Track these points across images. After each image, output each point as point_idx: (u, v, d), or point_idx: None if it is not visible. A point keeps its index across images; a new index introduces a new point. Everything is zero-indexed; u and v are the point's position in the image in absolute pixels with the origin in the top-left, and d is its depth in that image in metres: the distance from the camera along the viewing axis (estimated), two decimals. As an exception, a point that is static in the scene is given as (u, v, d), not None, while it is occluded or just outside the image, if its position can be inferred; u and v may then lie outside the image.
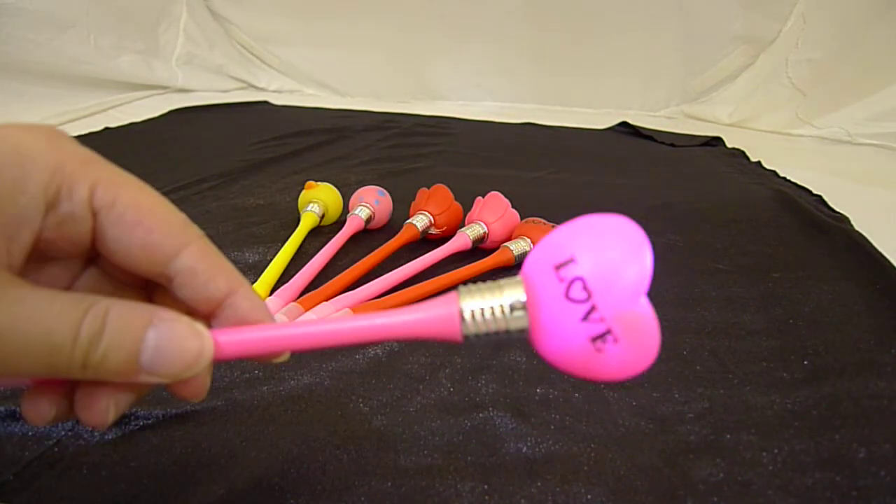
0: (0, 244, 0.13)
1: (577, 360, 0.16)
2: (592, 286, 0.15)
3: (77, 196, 0.14)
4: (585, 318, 0.15)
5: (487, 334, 0.16)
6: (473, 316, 0.16)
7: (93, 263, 0.17)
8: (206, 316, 0.17)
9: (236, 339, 0.15)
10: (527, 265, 0.17)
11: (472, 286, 0.17)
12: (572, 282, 0.15)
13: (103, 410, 0.15)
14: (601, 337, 0.15)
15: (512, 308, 0.16)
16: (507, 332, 0.16)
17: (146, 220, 0.15)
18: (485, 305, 0.16)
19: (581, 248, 0.16)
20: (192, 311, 0.16)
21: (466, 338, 0.16)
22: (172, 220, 0.16)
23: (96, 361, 0.14)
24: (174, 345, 0.14)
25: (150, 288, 0.17)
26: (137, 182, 0.16)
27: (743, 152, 0.87)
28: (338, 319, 0.17)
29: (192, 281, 0.16)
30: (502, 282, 0.17)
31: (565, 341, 0.16)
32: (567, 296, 0.15)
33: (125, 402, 0.16)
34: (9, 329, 0.13)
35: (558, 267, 0.16)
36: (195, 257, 0.16)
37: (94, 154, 0.15)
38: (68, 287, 0.16)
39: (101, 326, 0.14)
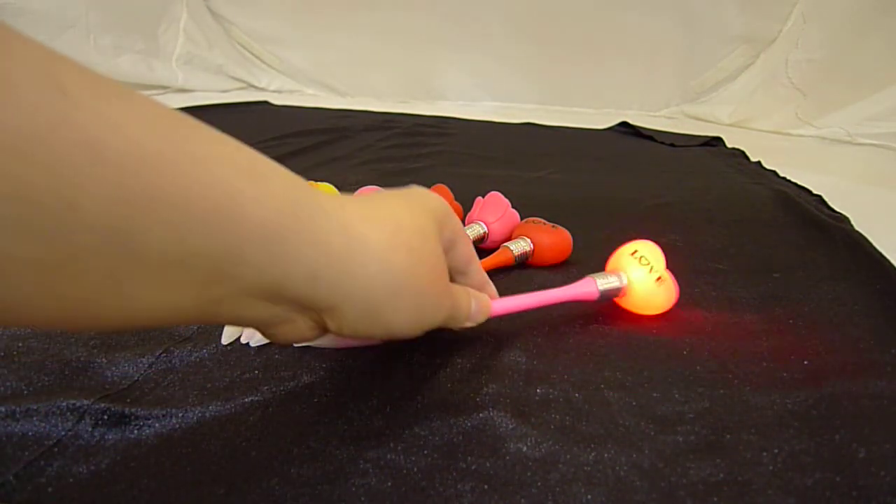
0: (444, 265, 0.26)
1: (649, 293, 0.36)
2: (651, 259, 0.36)
3: (449, 235, 0.27)
4: (651, 271, 0.36)
5: (607, 294, 0.36)
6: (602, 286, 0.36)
7: None
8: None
9: (497, 307, 0.32)
10: (618, 266, 0.37)
11: (599, 275, 0.36)
12: (640, 258, 0.36)
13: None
14: (658, 280, 0.35)
15: (620, 282, 0.36)
16: (614, 295, 0.37)
17: (465, 250, 0.29)
18: (608, 282, 0.36)
19: (639, 247, 0.37)
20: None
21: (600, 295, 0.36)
22: (471, 250, 0.30)
23: (463, 317, 0.28)
24: (480, 309, 0.30)
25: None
26: (464, 235, 0.29)
27: (743, 152, 0.87)
28: (530, 296, 0.34)
29: (472, 274, 0.31)
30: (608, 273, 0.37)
31: (642, 287, 0.36)
32: (640, 262, 0.36)
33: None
34: (449, 315, 0.26)
35: (632, 254, 0.36)
36: (475, 269, 0.31)
37: (452, 211, 0.28)
38: None
39: (469, 305, 0.29)
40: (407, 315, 0.23)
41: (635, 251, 0.37)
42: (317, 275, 0.20)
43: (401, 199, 0.25)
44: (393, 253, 0.22)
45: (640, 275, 0.36)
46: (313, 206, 0.20)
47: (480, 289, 0.31)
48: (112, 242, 0.15)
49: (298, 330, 0.22)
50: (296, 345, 0.32)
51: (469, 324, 0.29)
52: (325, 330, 0.23)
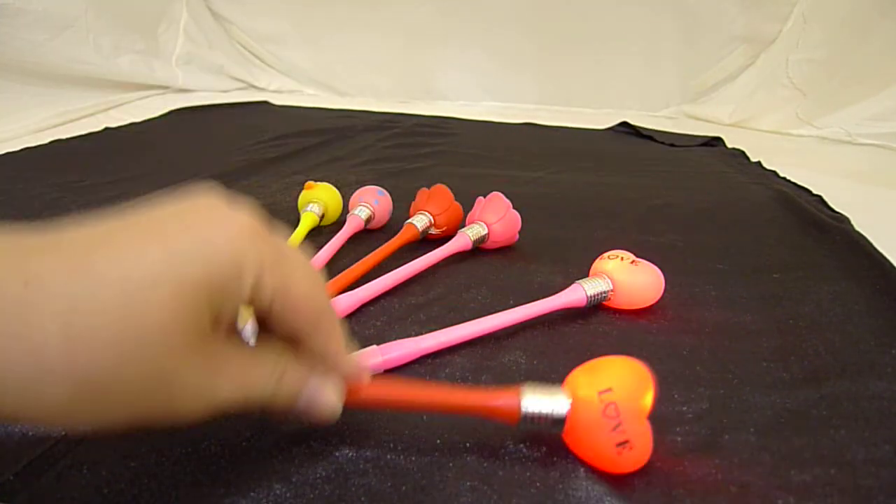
0: (214, 326, 0.18)
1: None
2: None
3: (267, 291, 0.19)
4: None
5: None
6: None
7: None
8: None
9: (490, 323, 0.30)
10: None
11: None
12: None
13: None
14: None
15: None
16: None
17: (304, 308, 0.21)
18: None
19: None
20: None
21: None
22: (317, 307, 0.21)
23: (273, 404, 0.21)
24: (316, 401, 0.22)
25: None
26: (304, 267, 0.21)
27: (743, 152, 0.87)
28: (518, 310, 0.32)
29: (317, 346, 0.22)
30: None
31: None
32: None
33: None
34: (226, 399, 0.19)
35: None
36: (323, 337, 0.22)
37: (281, 247, 0.20)
38: None
39: (281, 384, 0.21)
40: (102, 413, 0.17)
41: (608, 255, 0.38)
42: None
43: (162, 243, 0.17)
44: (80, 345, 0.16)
45: (615, 265, 0.37)
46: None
47: (332, 365, 0.22)
48: None
49: None
50: None
51: (299, 415, 0.22)
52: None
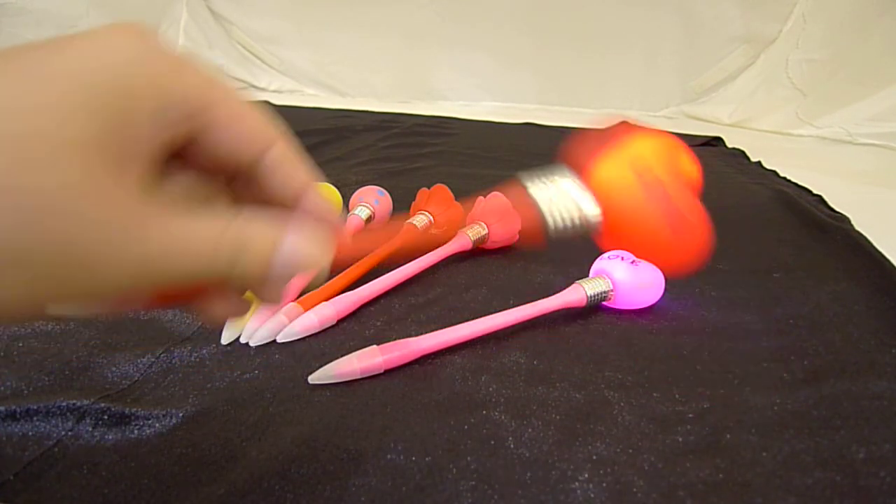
0: (123, 177, 0.14)
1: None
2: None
3: (176, 110, 0.15)
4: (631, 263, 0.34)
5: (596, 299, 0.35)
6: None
7: (177, 161, 0.17)
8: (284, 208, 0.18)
9: (487, 324, 0.32)
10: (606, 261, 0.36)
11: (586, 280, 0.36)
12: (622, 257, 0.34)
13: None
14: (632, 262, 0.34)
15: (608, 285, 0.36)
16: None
17: (240, 121, 0.16)
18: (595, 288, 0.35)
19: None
20: (270, 202, 0.18)
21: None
22: (261, 119, 0.17)
23: (236, 274, 0.15)
24: (298, 258, 0.16)
25: (232, 182, 0.18)
26: (224, 86, 0.16)
27: (743, 152, 0.87)
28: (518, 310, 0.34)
29: (277, 175, 0.17)
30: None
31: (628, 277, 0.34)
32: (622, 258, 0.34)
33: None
34: (159, 256, 0.14)
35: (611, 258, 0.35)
36: (281, 153, 0.17)
37: (179, 57, 0.16)
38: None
39: (242, 244, 0.15)
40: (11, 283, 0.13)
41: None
42: None
43: (55, 81, 0.13)
44: None
45: (615, 265, 0.37)
46: None
47: (301, 207, 0.18)
48: None
49: None
50: (285, 340, 0.32)
51: (277, 274, 0.16)
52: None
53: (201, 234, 0.15)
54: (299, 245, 0.16)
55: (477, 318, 0.34)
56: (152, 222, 0.14)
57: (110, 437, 0.25)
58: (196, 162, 0.17)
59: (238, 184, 0.18)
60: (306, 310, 0.35)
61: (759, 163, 0.81)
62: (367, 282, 0.38)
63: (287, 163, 0.17)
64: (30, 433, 0.25)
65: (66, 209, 0.13)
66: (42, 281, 0.13)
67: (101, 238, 0.14)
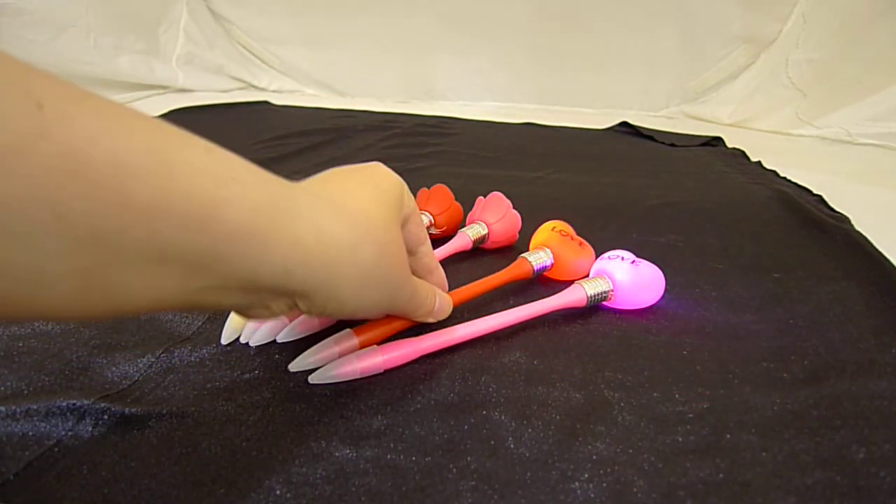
0: (402, 241, 0.28)
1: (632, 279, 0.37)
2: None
3: (405, 210, 0.29)
4: (632, 263, 0.37)
5: (596, 298, 0.37)
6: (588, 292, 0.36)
7: None
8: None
9: (489, 323, 0.34)
10: (606, 261, 0.38)
11: (586, 280, 0.37)
12: (622, 258, 0.37)
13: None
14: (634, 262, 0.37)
15: (608, 285, 0.37)
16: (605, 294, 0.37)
17: (417, 225, 0.31)
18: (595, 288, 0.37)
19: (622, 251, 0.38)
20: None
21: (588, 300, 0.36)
22: (423, 227, 0.32)
23: (423, 313, 0.31)
24: (442, 307, 0.33)
25: None
26: (417, 216, 0.30)
27: (743, 152, 0.87)
28: (518, 310, 0.35)
29: (428, 262, 0.33)
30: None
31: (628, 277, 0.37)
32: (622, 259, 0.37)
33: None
34: (413, 296, 0.29)
35: (611, 258, 0.38)
36: (426, 247, 0.32)
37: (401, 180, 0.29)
38: None
39: (433, 299, 0.32)
40: (371, 301, 0.26)
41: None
42: (289, 269, 0.21)
43: (367, 185, 0.26)
44: (361, 249, 0.24)
45: (615, 265, 0.37)
46: (287, 204, 0.21)
47: (427, 273, 0.33)
48: (95, 245, 0.16)
49: (273, 311, 0.24)
50: (285, 340, 0.33)
51: (431, 319, 0.32)
52: (298, 310, 0.25)
53: (427, 295, 0.31)
54: (441, 305, 0.32)
55: (477, 318, 0.34)
56: (412, 283, 0.29)
57: (110, 437, 0.25)
58: None
59: None
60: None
61: (759, 163, 0.81)
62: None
63: (428, 254, 0.32)
64: (30, 433, 0.25)
65: (396, 252, 0.26)
66: (383, 296, 0.27)
67: (406, 274, 0.28)
